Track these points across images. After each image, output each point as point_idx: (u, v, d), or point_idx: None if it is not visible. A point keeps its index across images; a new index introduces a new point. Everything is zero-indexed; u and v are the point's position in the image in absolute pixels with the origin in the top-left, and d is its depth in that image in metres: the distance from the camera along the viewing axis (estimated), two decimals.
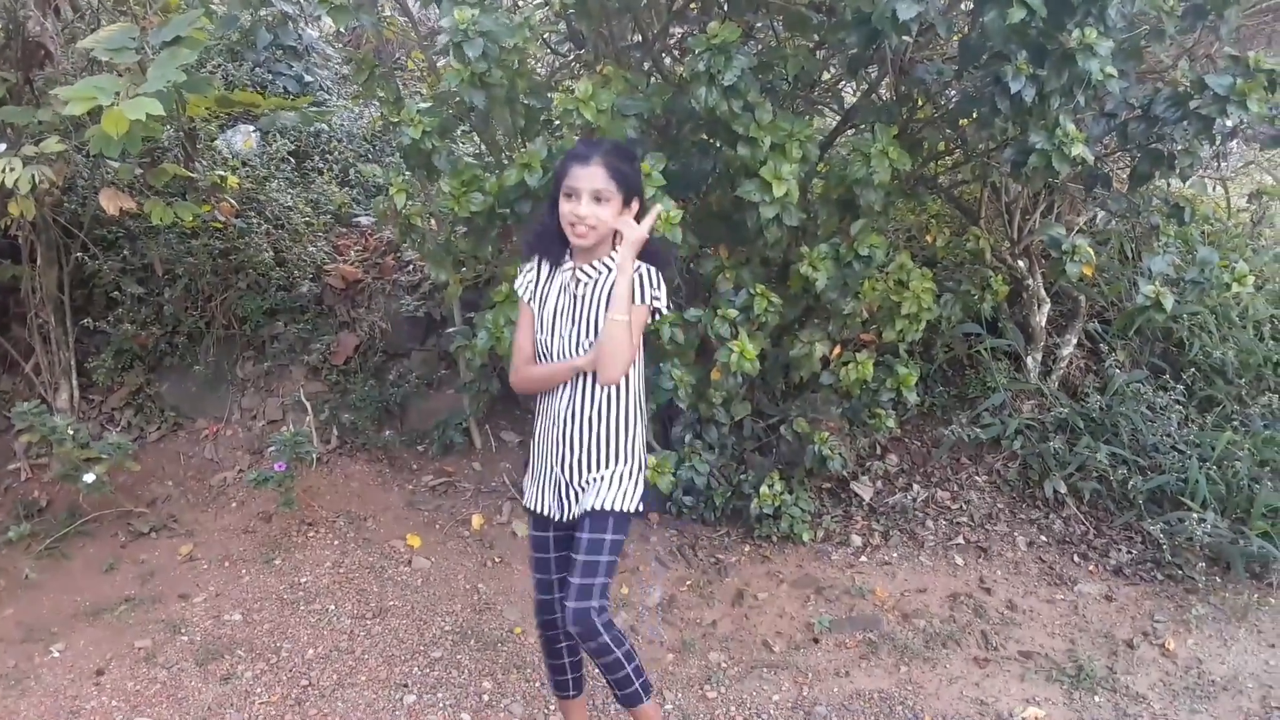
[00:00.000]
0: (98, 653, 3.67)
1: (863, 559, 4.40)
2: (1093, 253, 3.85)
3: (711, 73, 3.14)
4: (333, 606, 3.98)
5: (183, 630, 3.82)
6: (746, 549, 4.46)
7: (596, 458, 2.71)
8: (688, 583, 4.23)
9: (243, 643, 3.74)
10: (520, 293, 2.78)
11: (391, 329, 5.09)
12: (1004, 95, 3.21)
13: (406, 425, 5.04)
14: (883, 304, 3.98)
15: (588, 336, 2.66)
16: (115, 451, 4.18)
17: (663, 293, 2.66)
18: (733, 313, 3.69)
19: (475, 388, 4.63)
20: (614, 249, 2.67)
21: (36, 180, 3.47)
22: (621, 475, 2.72)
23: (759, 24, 4.02)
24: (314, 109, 4.52)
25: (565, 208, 2.59)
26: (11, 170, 3.46)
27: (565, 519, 2.77)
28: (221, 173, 4.67)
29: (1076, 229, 4.82)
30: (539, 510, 2.84)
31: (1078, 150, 3.30)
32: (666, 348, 3.70)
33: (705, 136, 3.75)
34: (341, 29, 6.69)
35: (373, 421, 4.94)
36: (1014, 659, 3.76)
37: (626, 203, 2.63)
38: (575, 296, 2.69)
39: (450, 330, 4.60)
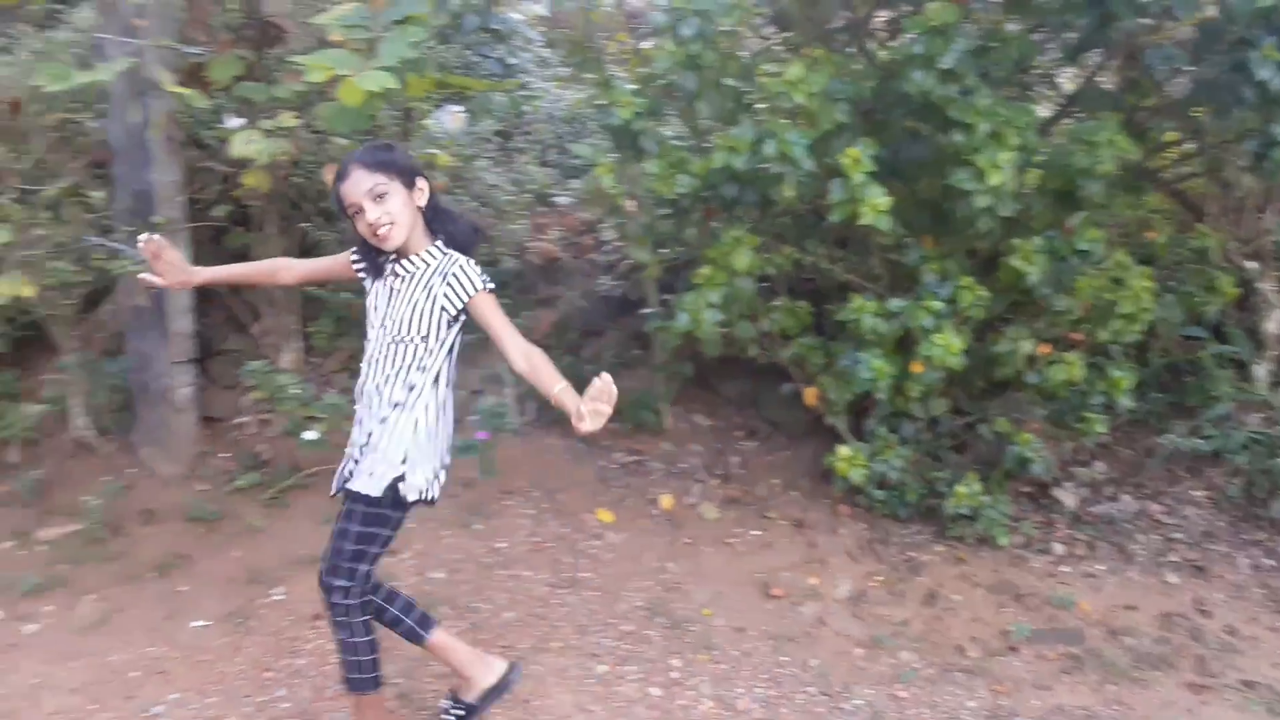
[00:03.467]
0: (314, 599, 3.79)
1: (1064, 569, 4.19)
2: None
3: (928, 55, 3.03)
4: (528, 573, 4.09)
5: (391, 583, 4.00)
6: (939, 549, 4.33)
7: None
8: (878, 578, 4.14)
9: (445, 600, 3.88)
10: (351, 255, 2.81)
11: (588, 307, 5.18)
12: (1248, 83, 2.95)
13: None
14: (1097, 302, 3.76)
15: (396, 331, 2.67)
16: (333, 411, 4.43)
17: (480, 272, 2.66)
18: (938, 305, 3.57)
19: (669, 369, 4.66)
20: (432, 242, 2.69)
21: (274, 153, 3.70)
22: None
23: (975, 4, 3.84)
24: (522, 93, 4.64)
25: (359, 226, 2.60)
26: (251, 142, 3.71)
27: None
28: (433, 150, 4.86)
29: None
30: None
31: None
32: (867, 337, 3.62)
33: (916, 122, 3.62)
34: (544, 13, 6.89)
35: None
36: (1234, 688, 3.50)
37: (409, 185, 2.63)
38: (393, 290, 2.70)
39: (646, 311, 4.64)
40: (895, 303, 3.64)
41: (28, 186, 4.23)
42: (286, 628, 3.68)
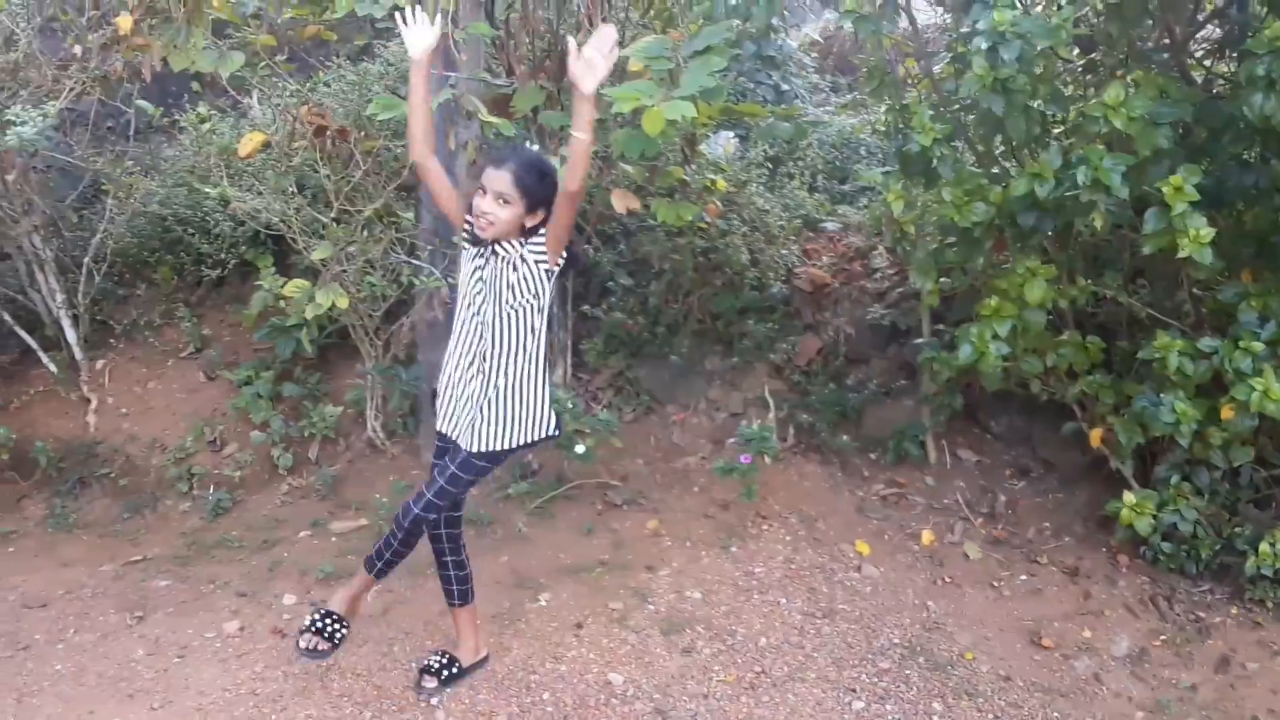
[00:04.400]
0: (577, 607, 3.98)
1: None
2: None
3: (1272, 78, 2.81)
4: (784, 600, 4.07)
5: (649, 599, 4.07)
6: (1234, 610, 4.00)
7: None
8: (1161, 637, 3.87)
9: (701, 620, 3.92)
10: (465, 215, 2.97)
11: (855, 335, 5.14)
12: None
13: (861, 432, 5.06)
14: None
15: (492, 305, 2.95)
16: (603, 427, 4.59)
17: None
18: (1259, 346, 3.29)
19: (937, 400, 4.54)
20: (518, 240, 2.91)
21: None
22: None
23: None
24: (805, 120, 4.67)
25: (475, 201, 2.86)
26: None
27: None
28: (711, 175, 4.97)
29: None
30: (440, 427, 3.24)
31: None
32: (1171, 377, 3.39)
33: (1247, 148, 3.37)
34: (817, 38, 6.93)
35: (829, 424, 5.02)
36: None
37: (530, 210, 2.85)
38: (492, 264, 2.94)
39: (919, 341, 4.55)
40: (1207, 342, 3.39)
41: (346, 207, 4.64)
42: (550, 633, 3.81)
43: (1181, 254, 3.05)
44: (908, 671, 3.67)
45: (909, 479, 4.88)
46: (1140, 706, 3.51)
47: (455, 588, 3.40)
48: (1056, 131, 3.51)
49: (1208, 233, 2.90)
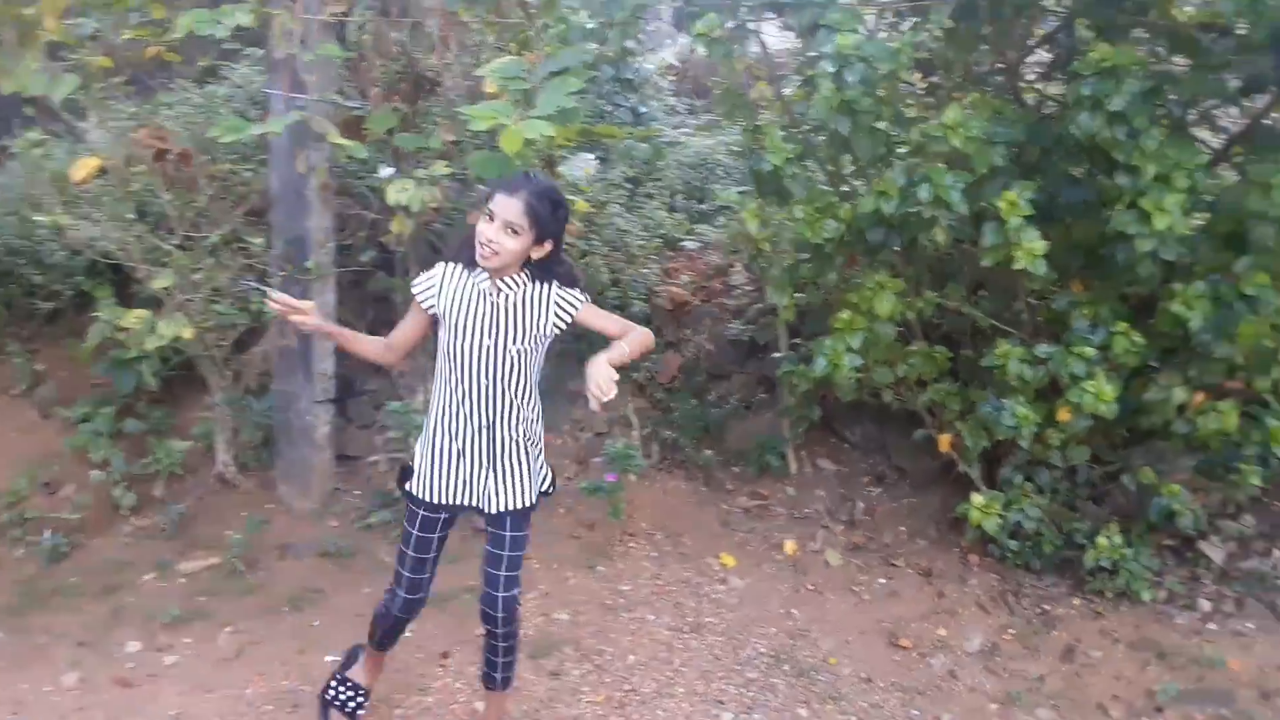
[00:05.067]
0: (443, 636, 3.91)
1: (1211, 626, 4.03)
2: None
3: (1097, 97, 3.01)
4: (651, 616, 4.09)
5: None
6: (1076, 602, 4.21)
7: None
8: (1011, 631, 4.04)
9: (570, 641, 3.91)
10: (418, 295, 2.86)
11: (715, 351, 5.22)
12: None
13: (724, 446, 5.14)
14: (1257, 349, 3.65)
15: (514, 343, 2.79)
16: None
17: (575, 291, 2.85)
18: (1090, 351, 3.50)
19: (796, 412, 4.66)
20: (523, 271, 2.79)
21: (426, 200, 3.84)
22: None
23: (1140, 48, 3.81)
24: (663, 141, 4.73)
25: (481, 228, 2.70)
26: (405, 190, 3.85)
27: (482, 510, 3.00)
28: (573, 197, 4.97)
29: None
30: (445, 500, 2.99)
31: None
32: (1011, 383, 3.57)
33: (1074, 165, 3.59)
34: (674, 62, 7.04)
35: (692, 440, 5.08)
36: None
37: (539, 241, 2.71)
38: (495, 305, 2.79)
39: (776, 355, 4.66)
40: (1044, 348, 3.59)
41: (190, 234, 4.45)
42: (415, 665, 3.72)
43: (1017, 266, 3.22)
44: (774, 680, 3.73)
45: (771, 490, 4.98)
46: (993, 699, 3.65)
47: (503, 674, 3.24)
48: (901, 151, 3.66)
49: (1041, 245, 3.08)
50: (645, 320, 5.37)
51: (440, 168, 3.89)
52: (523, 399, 2.90)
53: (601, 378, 2.58)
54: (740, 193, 4.55)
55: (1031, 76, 4.14)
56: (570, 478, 5.05)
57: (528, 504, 3.00)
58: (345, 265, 4.79)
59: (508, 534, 2.98)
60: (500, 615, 3.00)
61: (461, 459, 2.93)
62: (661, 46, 7.52)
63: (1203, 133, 4.04)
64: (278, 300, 2.87)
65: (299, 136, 4.12)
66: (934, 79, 4.04)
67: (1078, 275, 3.73)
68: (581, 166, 5.66)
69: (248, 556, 4.42)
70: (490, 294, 2.80)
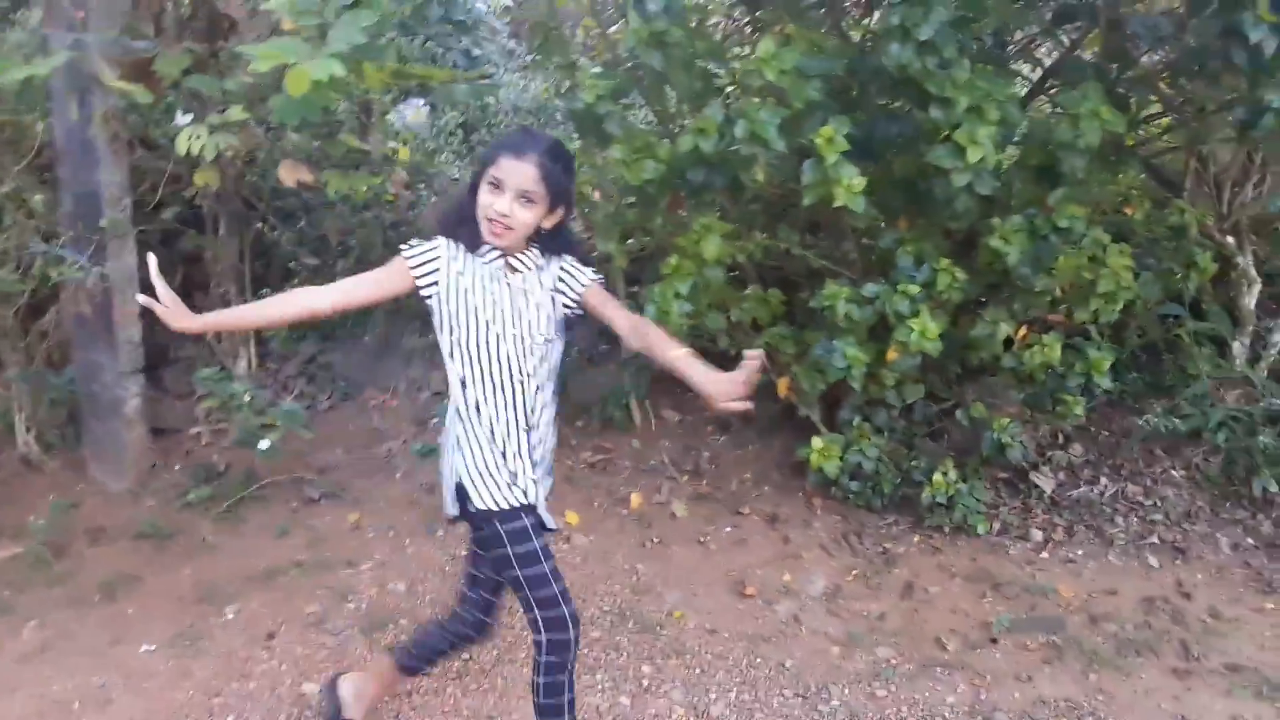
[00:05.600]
0: (269, 616, 3.72)
1: (1043, 555, 4.12)
2: None
3: (905, 27, 2.92)
4: None
5: (349, 598, 3.85)
6: (916, 539, 4.24)
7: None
8: (854, 572, 4.04)
9: (406, 613, 3.75)
10: (413, 269, 2.40)
11: None
12: (1240, 46, 2.88)
13: (566, 400, 4.99)
14: (1076, 282, 3.70)
15: (537, 330, 2.43)
16: (288, 419, 4.28)
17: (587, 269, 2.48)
18: (914, 289, 3.48)
19: (638, 363, 4.55)
20: (531, 248, 2.42)
21: (221, 148, 3.55)
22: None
23: None
24: (485, 82, 4.51)
25: (486, 199, 2.29)
26: (197, 138, 3.55)
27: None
28: (393, 144, 4.72)
29: None
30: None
31: None
32: (841, 324, 3.52)
33: (892, 99, 3.53)
34: (509, 3, 6.76)
35: None
36: (1218, 672, 3.43)
37: (552, 209, 2.34)
38: (511, 287, 2.41)
39: None
40: (870, 288, 3.55)
41: None
42: (239, 648, 3.52)
43: (837, 204, 3.15)
44: (618, 638, 3.63)
45: (616, 444, 4.88)
46: (835, 641, 3.63)
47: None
48: (726, 88, 3.54)
49: (860, 182, 3.00)
50: None
51: (238, 112, 3.59)
52: (550, 396, 2.55)
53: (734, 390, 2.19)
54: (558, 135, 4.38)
55: (854, 10, 4.06)
56: (408, 440, 4.86)
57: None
58: (146, 224, 4.43)
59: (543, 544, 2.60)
60: (561, 628, 2.65)
61: (517, 459, 2.52)
62: None
63: (1025, 69, 4.07)
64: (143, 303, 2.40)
65: (74, 79, 3.74)
66: (759, 14, 3.92)
67: (903, 213, 3.70)
68: (411, 112, 5.41)
69: (54, 543, 4.10)
70: (504, 277, 2.41)
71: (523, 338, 2.42)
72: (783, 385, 4.28)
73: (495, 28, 6.48)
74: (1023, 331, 3.90)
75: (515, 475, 2.50)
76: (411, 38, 5.60)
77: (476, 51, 6.01)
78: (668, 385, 5.02)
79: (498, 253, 2.39)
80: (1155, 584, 3.91)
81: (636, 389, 4.79)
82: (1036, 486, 4.41)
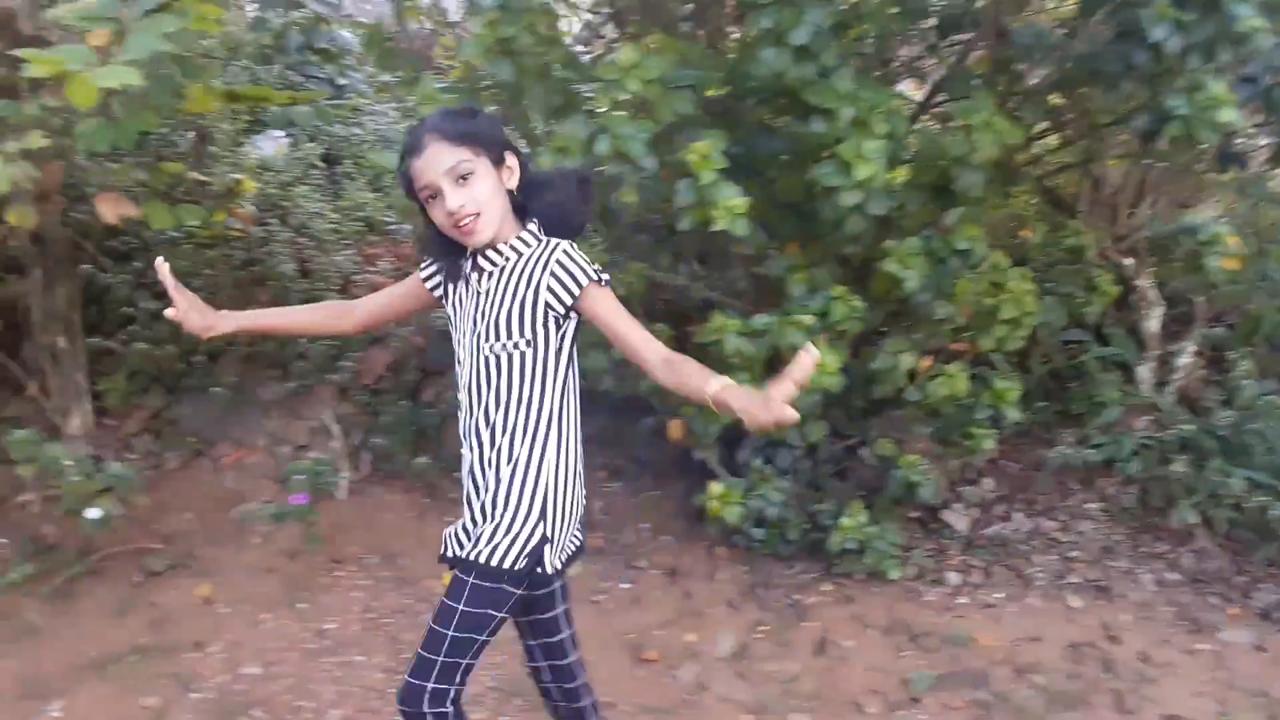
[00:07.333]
0: (102, 712, 3.29)
1: (961, 600, 3.88)
2: (1239, 243, 3.29)
3: (778, 30, 2.63)
4: (361, 658, 3.56)
5: (194, 686, 3.41)
6: (827, 588, 3.96)
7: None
8: (762, 628, 3.74)
9: (260, 701, 3.33)
10: (423, 276, 2.30)
11: (426, 344, 4.68)
12: (1140, 48, 2.66)
13: (444, 451, 4.61)
14: (978, 308, 3.46)
15: (490, 339, 2.12)
16: (119, 483, 3.80)
17: (591, 265, 2.11)
18: (808, 320, 3.18)
19: None
20: (524, 229, 2.13)
21: (19, 181, 3.09)
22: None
23: None
24: (330, 104, 4.14)
25: (436, 214, 2.05)
26: None
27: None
28: (236, 176, 4.29)
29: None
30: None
31: (1227, 116, 2.74)
32: (731, 361, 3.22)
33: (772, 113, 3.24)
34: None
35: (406, 446, 4.52)
36: None
37: (497, 162, 2.06)
38: (478, 292, 2.14)
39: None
40: (761, 319, 3.24)
41: None
42: None
43: (717, 227, 2.83)
44: (502, 717, 3.28)
45: None
46: (745, 708, 3.32)
47: None
48: (589, 102, 3.22)
49: (741, 203, 2.69)
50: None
51: (36, 139, 3.13)
52: (526, 412, 2.20)
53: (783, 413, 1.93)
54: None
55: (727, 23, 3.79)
56: (268, 500, 4.41)
57: (489, 561, 2.14)
58: None
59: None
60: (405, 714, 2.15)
61: (467, 500, 2.30)
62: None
63: (910, 88, 3.87)
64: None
65: None
66: (629, 29, 3.63)
67: (794, 237, 3.42)
68: (273, 144, 5.00)
69: None
70: (474, 282, 2.14)
71: (477, 347, 2.14)
72: (675, 428, 3.96)
73: (362, 56, 6.12)
74: (926, 362, 3.64)
75: (460, 519, 2.27)
76: (269, 66, 5.21)
77: (342, 81, 5.64)
78: None
79: (471, 259, 2.14)
80: (1080, 628, 3.68)
81: None
82: (949, 526, 4.19)
